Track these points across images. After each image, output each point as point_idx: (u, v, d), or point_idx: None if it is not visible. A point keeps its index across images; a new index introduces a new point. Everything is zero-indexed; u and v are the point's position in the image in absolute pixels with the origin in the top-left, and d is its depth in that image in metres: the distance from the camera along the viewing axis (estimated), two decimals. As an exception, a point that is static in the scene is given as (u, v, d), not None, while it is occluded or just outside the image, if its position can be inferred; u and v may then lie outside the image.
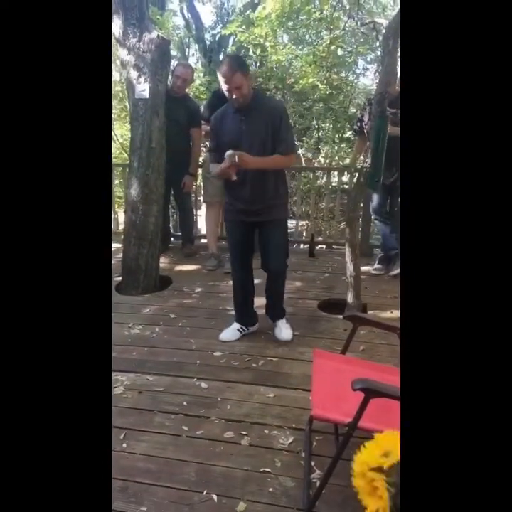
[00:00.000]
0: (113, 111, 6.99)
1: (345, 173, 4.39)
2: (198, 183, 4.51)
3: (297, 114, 7.77)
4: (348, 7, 6.29)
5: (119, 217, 4.53)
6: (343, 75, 8.33)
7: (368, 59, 8.42)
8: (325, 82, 7.37)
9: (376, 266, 3.67)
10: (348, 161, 6.02)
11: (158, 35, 3.13)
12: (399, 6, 3.23)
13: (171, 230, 4.49)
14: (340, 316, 2.57)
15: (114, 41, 3.19)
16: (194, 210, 4.47)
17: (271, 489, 1.53)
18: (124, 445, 1.75)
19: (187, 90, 4.04)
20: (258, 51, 7.15)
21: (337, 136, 8.13)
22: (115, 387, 2.12)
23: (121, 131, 7.79)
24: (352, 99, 8.38)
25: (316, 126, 8.43)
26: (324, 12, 6.51)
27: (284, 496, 1.51)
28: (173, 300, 3.17)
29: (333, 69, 7.71)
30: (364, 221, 4.08)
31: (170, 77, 3.58)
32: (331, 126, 8.17)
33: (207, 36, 9.33)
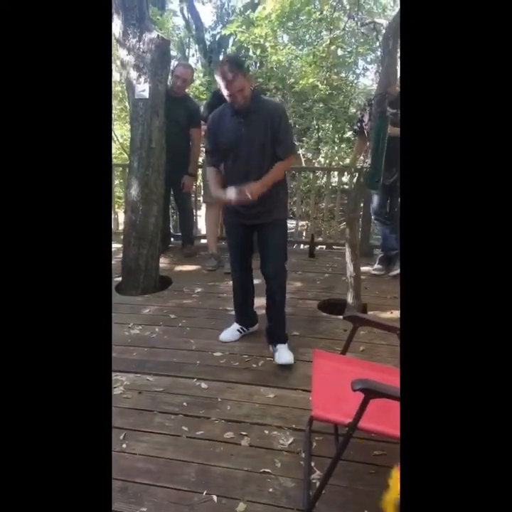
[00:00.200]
0: (113, 111, 6.99)
1: (345, 173, 4.38)
2: (197, 183, 4.51)
3: (297, 115, 7.78)
4: (348, 7, 6.28)
5: (119, 217, 4.53)
6: (343, 75, 8.34)
7: (368, 59, 8.42)
8: (325, 82, 7.37)
9: (376, 266, 3.67)
10: (348, 161, 6.03)
11: (158, 35, 3.13)
12: (399, 6, 3.23)
13: (171, 230, 4.49)
14: (341, 317, 2.58)
15: (114, 41, 3.19)
16: (194, 211, 4.47)
17: (271, 490, 1.53)
18: (124, 445, 1.74)
19: (187, 90, 4.04)
20: (258, 51, 7.16)
21: (337, 136, 8.14)
22: (115, 387, 2.12)
23: (121, 131, 7.80)
24: (352, 99, 8.39)
25: (316, 127, 8.44)
26: (324, 12, 6.50)
27: (284, 496, 1.51)
28: (173, 300, 3.17)
29: (333, 69, 7.71)
30: (364, 221, 4.08)
31: (170, 77, 3.57)
32: (331, 126, 8.17)
33: (207, 36, 9.34)
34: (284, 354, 2.33)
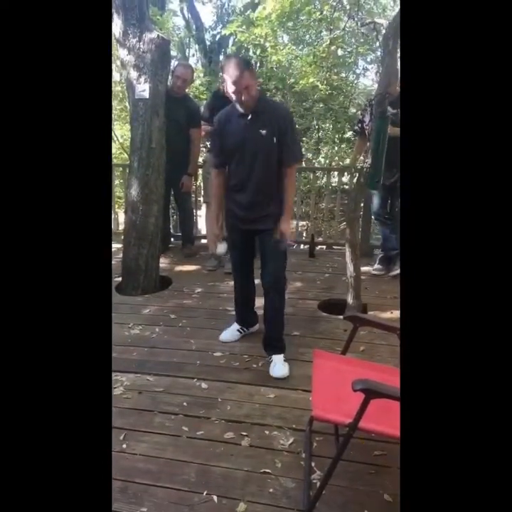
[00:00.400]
0: (113, 111, 6.99)
1: (346, 173, 4.39)
2: (197, 184, 4.51)
3: (297, 115, 7.77)
4: (348, 7, 6.28)
5: (119, 217, 4.54)
6: (343, 75, 8.33)
7: (368, 59, 8.42)
8: (325, 82, 7.37)
9: (376, 266, 3.67)
10: (348, 161, 6.03)
11: (158, 35, 3.13)
12: (399, 6, 3.23)
13: (171, 231, 4.49)
14: (341, 317, 2.58)
15: (114, 41, 3.19)
16: (194, 211, 4.47)
17: (271, 490, 1.53)
18: (124, 446, 1.74)
19: (187, 90, 4.04)
20: (258, 51, 7.16)
21: (337, 136, 8.14)
22: (115, 387, 2.12)
23: (121, 131, 7.80)
24: (352, 99, 8.38)
25: (316, 127, 8.44)
26: (324, 12, 6.50)
27: (284, 496, 1.51)
28: (173, 300, 3.17)
29: (333, 69, 7.71)
30: (364, 221, 4.08)
31: (170, 77, 3.57)
32: (331, 126, 8.17)
33: (207, 36, 9.34)
34: (278, 367, 2.24)
